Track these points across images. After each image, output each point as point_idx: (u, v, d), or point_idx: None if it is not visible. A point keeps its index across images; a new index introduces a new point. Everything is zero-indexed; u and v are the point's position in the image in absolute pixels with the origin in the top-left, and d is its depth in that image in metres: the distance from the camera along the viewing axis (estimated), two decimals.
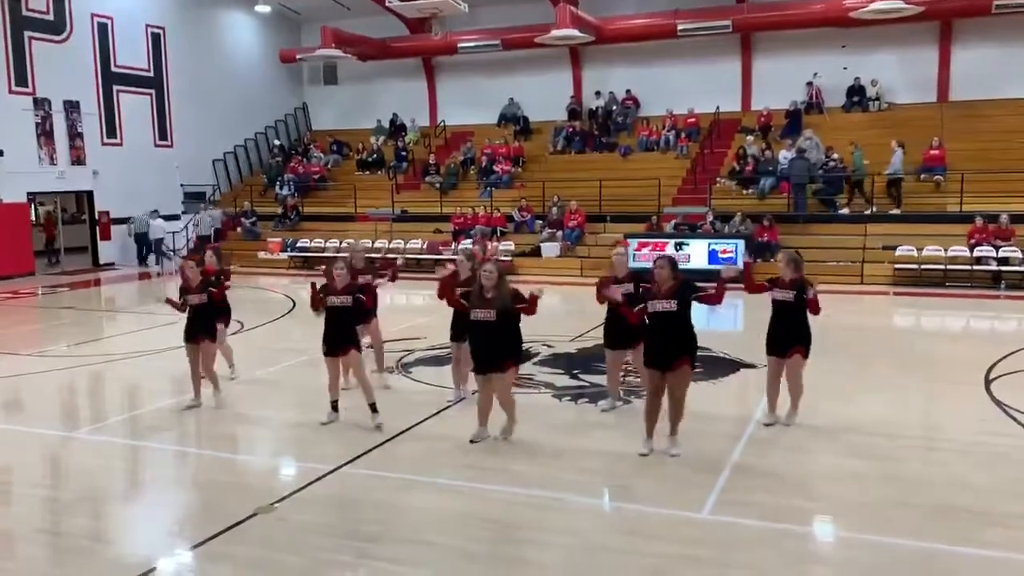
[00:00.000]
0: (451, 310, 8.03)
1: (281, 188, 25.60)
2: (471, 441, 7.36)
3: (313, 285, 8.05)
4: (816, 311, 7.49)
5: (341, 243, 22.13)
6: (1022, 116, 20.86)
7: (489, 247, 19.25)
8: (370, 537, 5.64)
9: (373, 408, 7.85)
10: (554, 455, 7.13)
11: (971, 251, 17.25)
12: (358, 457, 7.11)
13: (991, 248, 17.11)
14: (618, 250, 8.17)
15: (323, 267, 8.80)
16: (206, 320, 8.61)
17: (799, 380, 7.70)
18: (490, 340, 7.06)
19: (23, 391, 9.95)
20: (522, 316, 7.20)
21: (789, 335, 7.55)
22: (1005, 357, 10.49)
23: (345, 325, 7.83)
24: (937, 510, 5.90)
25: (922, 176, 19.88)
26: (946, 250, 17.46)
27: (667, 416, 6.98)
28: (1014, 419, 7.98)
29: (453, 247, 21.17)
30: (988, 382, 9.36)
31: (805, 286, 7.46)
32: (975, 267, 17.19)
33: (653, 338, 6.95)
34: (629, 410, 8.39)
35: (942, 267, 17.37)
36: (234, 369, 9.92)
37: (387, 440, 7.56)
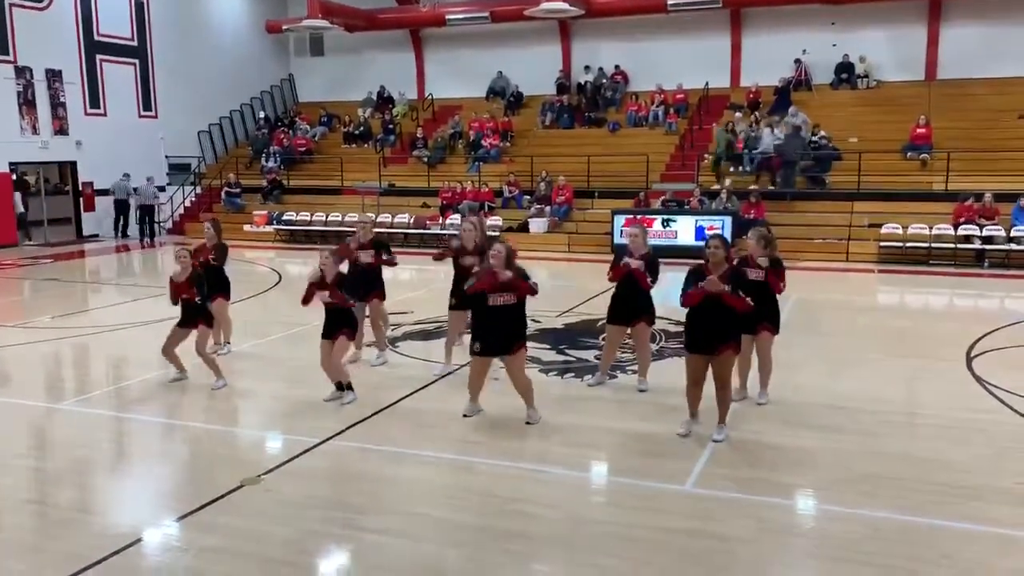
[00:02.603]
0: (440, 285, 7.99)
1: (267, 160, 25.40)
2: (464, 415, 7.35)
3: (310, 284, 7.77)
4: (779, 289, 7.45)
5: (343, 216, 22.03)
6: (1009, 95, 20.93)
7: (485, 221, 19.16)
8: (358, 509, 5.67)
9: (339, 387, 7.85)
10: (541, 429, 7.17)
11: (955, 230, 17.36)
12: (346, 430, 7.13)
13: (975, 227, 17.23)
14: (632, 230, 7.98)
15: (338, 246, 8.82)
16: (201, 308, 8.35)
17: (769, 357, 7.69)
18: (503, 323, 6.98)
19: (7, 363, 9.88)
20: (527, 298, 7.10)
21: (758, 312, 7.20)
22: (987, 334, 10.60)
23: (338, 312, 7.72)
24: (918, 484, 5.99)
25: (908, 154, 19.95)
26: (931, 228, 17.58)
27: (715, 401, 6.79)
28: (995, 396, 8.07)
29: (441, 222, 21.13)
30: (970, 359, 9.47)
31: (776, 264, 7.40)
32: (959, 245, 17.31)
33: (699, 322, 6.60)
34: (615, 385, 8.44)
35: (926, 245, 17.49)
36: (228, 346, 9.83)
37: (375, 413, 7.58)
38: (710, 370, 6.67)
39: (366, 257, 9.06)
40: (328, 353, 7.78)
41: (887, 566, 4.85)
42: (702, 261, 6.63)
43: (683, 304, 6.66)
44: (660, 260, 7.91)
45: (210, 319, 8.55)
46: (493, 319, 7.01)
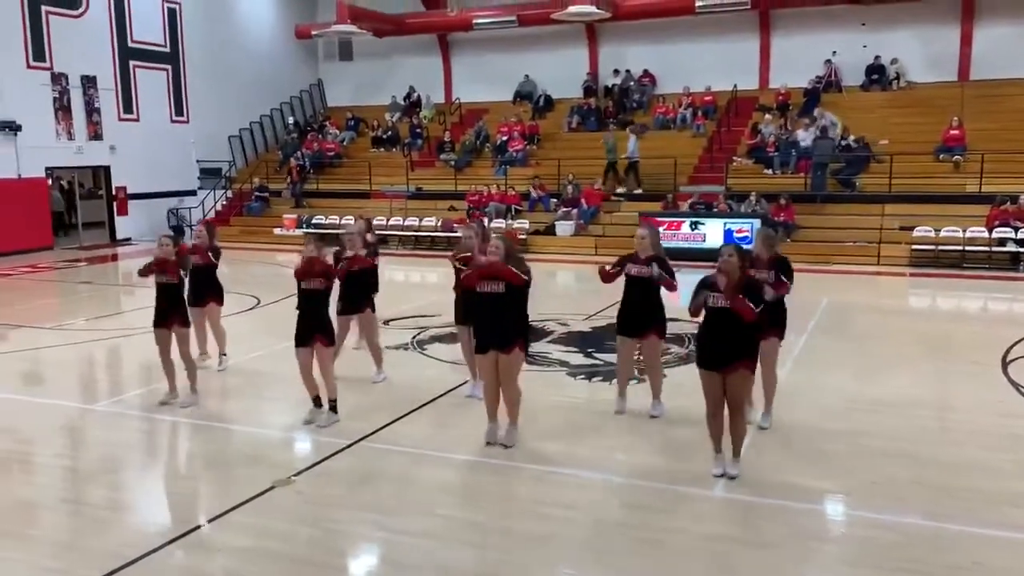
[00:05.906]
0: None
1: (296, 162, 25.61)
2: (487, 443, 6.81)
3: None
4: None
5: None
6: None
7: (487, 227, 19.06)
8: (385, 510, 5.71)
9: (333, 407, 7.43)
10: (568, 432, 7.17)
11: (990, 232, 17.09)
12: (373, 432, 7.18)
13: (1010, 229, 16.95)
14: (639, 232, 7.55)
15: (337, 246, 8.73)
16: (177, 302, 8.13)
17: (774, 370, 7.05)
18: (496, 315, 6.56)
19: (43, 364, 10.08)
20: (529, 297, 6.77)
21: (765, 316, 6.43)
22: (1023, 339, 10.42)
23: (315, 312, 7.26)
24: (951, 490, 5.91)
25: (941, 156, 19.68)
26: (964, 231, 17.32)
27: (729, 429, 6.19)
28: None
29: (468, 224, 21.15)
30: (1005, 364, 9.32)
31: (782, 266, 6.80)
32: (994, 248, 17.05)
33: (708, 335, 6.12)
34: (642, 389, 8.34)
35: (960, 248, 17.25)
36: (225, 359, 9.33)
37: (402, 416, 7.62)
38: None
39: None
40: (309, 363, 7.30)
41: (919, 572, 4.80)
42: (715, 268, 6.07)
43: (691, 314, 6.17)
44: (690, 264, 7.76)
45: (185, 316, 8.21)
46: (484, 309, 6.62)
